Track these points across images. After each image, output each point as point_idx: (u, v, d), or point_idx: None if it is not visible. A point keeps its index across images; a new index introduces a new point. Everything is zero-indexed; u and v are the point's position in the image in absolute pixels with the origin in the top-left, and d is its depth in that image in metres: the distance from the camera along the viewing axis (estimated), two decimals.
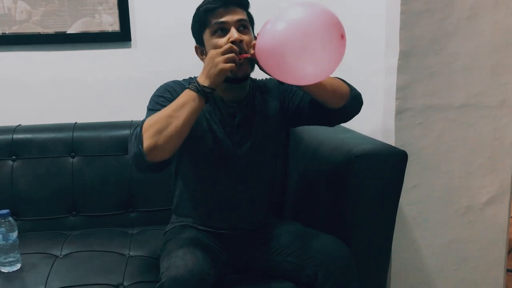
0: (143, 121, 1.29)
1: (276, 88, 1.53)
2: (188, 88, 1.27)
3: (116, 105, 2.11)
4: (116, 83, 2.11)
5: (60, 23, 2.02)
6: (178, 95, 1.35)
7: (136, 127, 1.28)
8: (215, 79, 1.26)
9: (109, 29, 2.06)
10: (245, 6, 1.41)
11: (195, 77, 1.48)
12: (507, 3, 1.66)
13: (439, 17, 1.63)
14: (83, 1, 2.02)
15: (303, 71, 1.23)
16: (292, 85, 1.47)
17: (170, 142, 1.24)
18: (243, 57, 1.31)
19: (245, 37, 1.36)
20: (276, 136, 1.54)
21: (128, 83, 2.12)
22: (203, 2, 1.41)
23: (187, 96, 1.26)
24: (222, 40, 1.34)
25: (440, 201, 1.75)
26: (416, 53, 1.63)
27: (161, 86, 1.44)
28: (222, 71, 1.25)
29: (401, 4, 1.58)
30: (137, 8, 2.07)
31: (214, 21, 1.36)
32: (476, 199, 1.78)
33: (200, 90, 1.25)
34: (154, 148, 1.22)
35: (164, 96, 1.38)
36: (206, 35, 1.39)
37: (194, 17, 1.43)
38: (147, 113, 1.36)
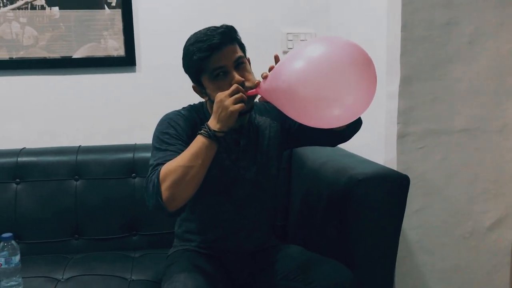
0: (154, 165, 1.29)
1: (275, 109, 1.53)
2: (199, 133, 1.27)
3: (120, 128, 2.13)
4: (120, 106, 2.13)
5: (66, 48, 2.06)
6: (182, 129, 1.37)
7: (151, 173, 1.27)
8: (227, 122, 1.26)
9: (114, 54, 2.09)
10: (235, 39, 1.38)
11: (194, 105, 1.49)
12: (507, 29, 1.69)
13: (440, 43, 1.65)
14: (89, 27, 2.05)
15: (326, 116, 1.16)
16: None
17: (188, 191, 1.25)
18: (251, 94, 1.30)
19: (245, 73, 1.36)
20: (278, 157, 1.55)
21: (132, 107, 2.14)
22: (192, 47, 1.35)
23: (200, 143, 1.26)
24: (224, 84, 1.33)
25: (443, 225, 1.75)
26: (417, 78, 1.65)
27: (163, 120, 1.42)
28: (233, 113, 1.25)
29: (402, 31, 1.61)
30: (142, 33, 2.10)
31: (211, 67, 1.34)
32: (480, 224, 1.77)
33: (212, 136, 1.25)
34: (172, 199, 1.23)
35: (168, 132, 1.37)
36: (205, 79, 1.37)
37: (186, 61, 1.39)
38: (154, 152, 1.35)
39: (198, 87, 1.42)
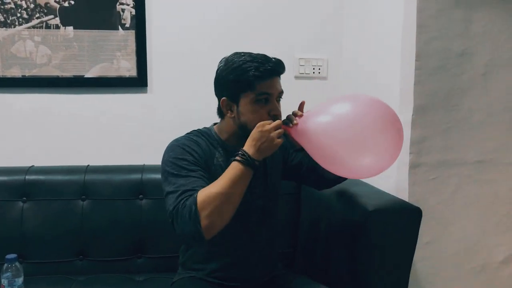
0: (181, 192, 1.27)
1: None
2: (236, 160, 1.27)
3: (130, 148, 2.12)
4: (130, 127, 2.13)
5: (79, 67, 2.06)
6: (199, 155, 1.36)
7: (182, 199, 1.25)
8: (267, 152, 1.28)
9: (126, 74, 2.09)
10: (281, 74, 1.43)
11: (200, 130, 1.48)
12: None
13: (454, 73, 1.64)
14: (102, 47, 2.06)
15: (358, 164, 1.28)
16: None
17: (226, 219, 1.25)
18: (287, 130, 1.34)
19: (279, 108, 1.40)
20: (279, 184, 1.57)
21: (142, 127, 2.13)
22: (248, 62, 1.34)
23: (238, 170, 1.26)
24: (263, 110, 1.35)
25: (454, 258, 1.71)
26: (430, 108, 1.63)
27: (176, 146, 1.39)
28: (276, 146, 1.28)
29: (416, 60, 1.60)
30: (154, 55, 2.10)
31: (260, 90, 1.34)
32: (492, 258, 1.73)
33: (252, 163, 1.26)
34: (212, 227, 1.23)
35: (186, 159, 1.35)
36: (247, 97, 1.35)
37: (235, 73, 1.35)
38: (172, 179, 1.32)
39: (230, 102, 1.39)
